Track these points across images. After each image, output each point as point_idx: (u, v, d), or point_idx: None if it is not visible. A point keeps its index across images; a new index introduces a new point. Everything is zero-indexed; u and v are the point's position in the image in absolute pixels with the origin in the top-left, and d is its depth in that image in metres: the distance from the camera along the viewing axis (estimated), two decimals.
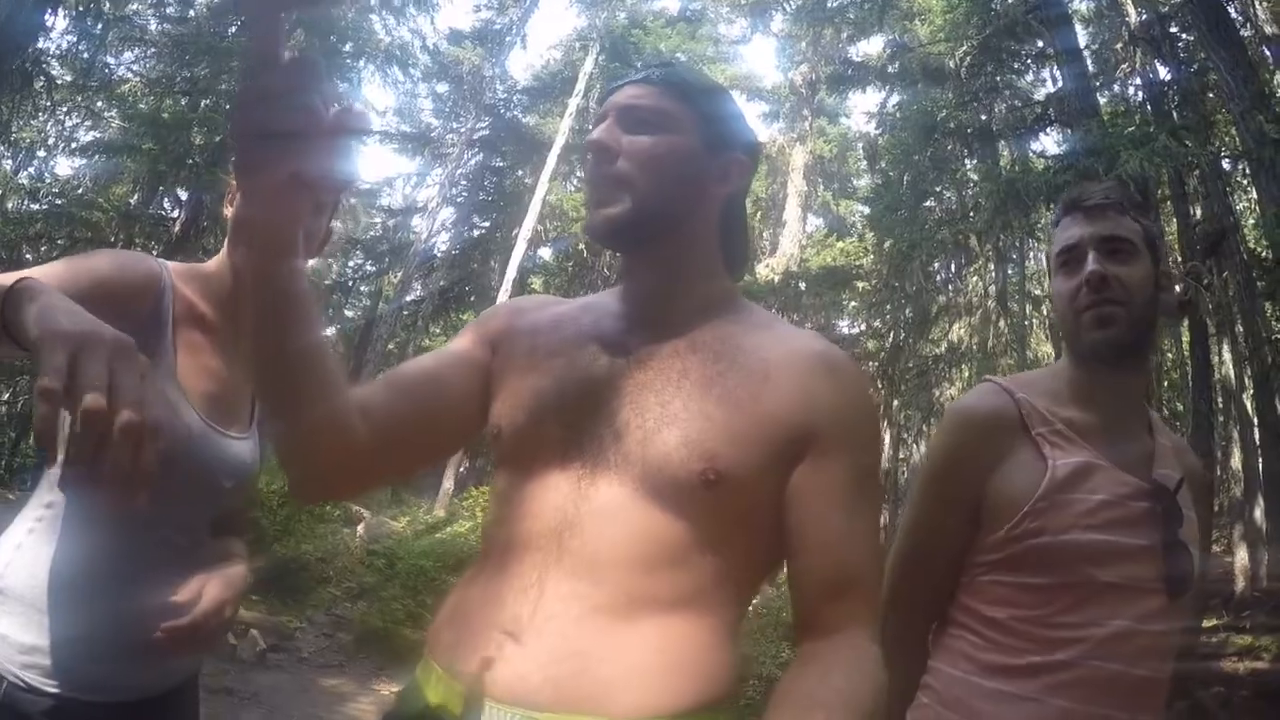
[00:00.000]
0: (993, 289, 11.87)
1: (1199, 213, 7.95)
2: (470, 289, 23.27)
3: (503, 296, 17.32)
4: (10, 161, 17.18)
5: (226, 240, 1.34)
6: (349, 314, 25.04)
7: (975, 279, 12.07)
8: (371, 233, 24.23)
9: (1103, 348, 1.36)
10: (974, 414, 1.42)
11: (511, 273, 17.62)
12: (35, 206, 17.22)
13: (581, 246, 21.17)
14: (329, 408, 0.95)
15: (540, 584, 0.93)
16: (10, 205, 17.11)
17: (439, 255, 23.21)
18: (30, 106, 13.61)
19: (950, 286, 12.41)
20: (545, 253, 22.52)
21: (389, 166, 40.05)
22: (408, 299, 22.33)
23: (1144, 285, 1.38)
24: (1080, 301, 1.38)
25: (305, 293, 0.91)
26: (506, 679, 0.90)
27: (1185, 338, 7.80)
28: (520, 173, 22.45)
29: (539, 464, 1.00)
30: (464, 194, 23.46)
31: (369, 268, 24.17)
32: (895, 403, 15.45)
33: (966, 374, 12.77)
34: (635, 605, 0.91)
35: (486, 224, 23.85)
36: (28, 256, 15.84)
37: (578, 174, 22.24)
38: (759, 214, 19.43)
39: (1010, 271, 12.44)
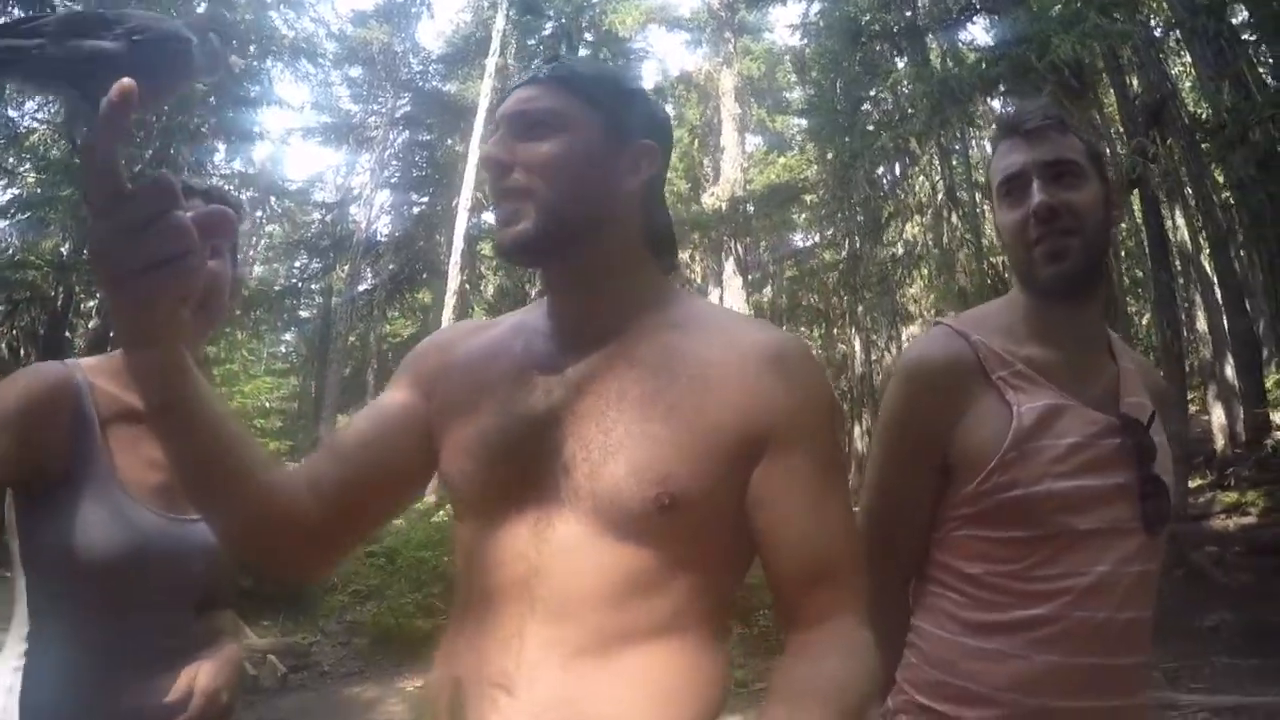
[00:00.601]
0: (940, 185, 11.85)
1: (1136, 84, 7.91)
2: (420, 267, 22.99)
3: (453, 269, 17.06)
4: None
5: None
6: (304, 314, 24.70)
7: (921, 178, 12.04)
8: (311, 230, 23.74)
9: (1058, 282, 1.28)
10: (930, 363, 1.33)
11: (458, 243, 17.35)
12: None
13: None
14: (268, 499, 0.92)
15: (520, 635, 0.91)
16: None
17: (383, 240, 22.85)
18: None
19: (898, 190, 12.39)
20: (489, 217, 22.21)
21: (317, 161, 39.07)
22: (360, 289, 22.03)
23: (1095, 208, 1.29)
24: (1030, 234, 1.28)
25: (207, 396, 0.84)
26: None
27: (1137, 207, 7.84)
28: (450, 141, 22.01)
29: (495, 510, 0.97)
30: (397, 174, 23.06)
31: (315, 265, 23.76)
32: (859, 309, 15.58)
33: (926, 274, 12.83)
34: (615, 641, 0.90)
35: (425, 199, 23.45)
36: None
37: None
38: (695, 142, 19.22)
39: (955, 164, 12.43)
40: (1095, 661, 1.19)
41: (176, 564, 1.33)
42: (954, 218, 11.63)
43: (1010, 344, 1.30)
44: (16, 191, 16.53)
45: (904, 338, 16.91)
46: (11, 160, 16.04)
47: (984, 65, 7.01)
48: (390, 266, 23.24)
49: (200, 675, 1.31)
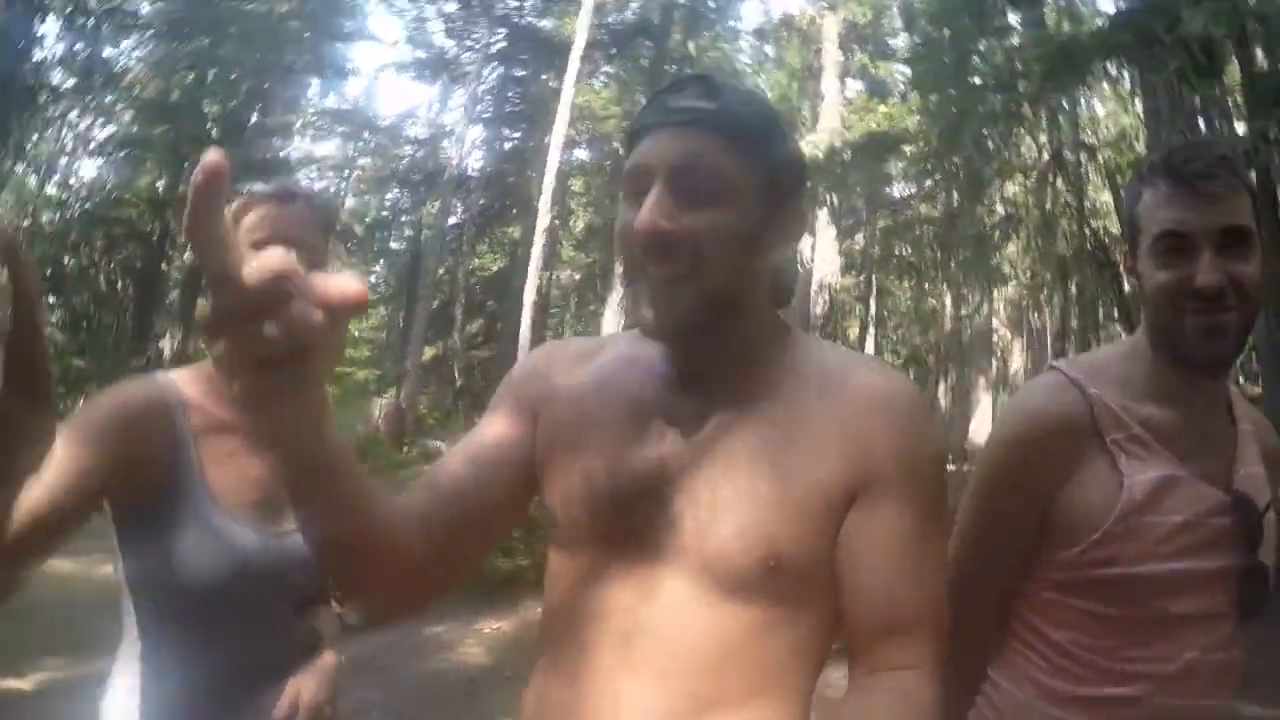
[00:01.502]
0: (1047, 148, 11.32)
1: (1261, 57, 7.31)
2: (511, 202, 23.15)
3: (543, 206, 17.10)
4: (35, 176, 17.30)
5: None
6: (394, 246, 25.20)
7: (1028, 139, 11.51)
8: (402, 165, 24.05)
9: (1211, 360, 1.22)
10: (1043, 418, 1.26)
11: (550, 180, 17.35)
12: (69, 214, 17.24)
13: (616, 145, 20.75)
14: (384, 543, 0.88)
15: (615, 694, 0.91)
16: (44, 218, 17.34)
17: (474, 175, 23.00)
18: (40, 120, 13.65)
19: (1003, 150, 11.89)
20: (581, 154, 22.17)
21: (410, 96, 39.17)
22: (450, 223, 22.32)
23: (1258, 279, 1.19)
24: (1185, 304, 1.19)
25: (338, 447, 0.78)
26: None
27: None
28: (544, 77, 21.86)
29: (598, 556, 0.96)
30: (490, 110, 23.00)
31: (406, 200, 24.13)
32: (953, 265, 15.10)
33: (1025, 237, 12.35)
34: (710, 705, 0.89)
35: (517, 135, 23.44)
36: (68, 261, 16.20)
37: (603, 72, 21.63)
38: (795, 85, 18.70)
39: (1063, 124, 11.82)
40: None
41: (276, 578, 1.36)
42: (1059, 182, 11.12)
43: (1128, 400, 1.23)
44: (113, 129, 17.02)
45: (997, 298, 16.45)
46: (109, 98, 16.40)
47: (1105, 33, 6.59)
48: (480, 201, 23.46)
49: (303, 691, 1.37)
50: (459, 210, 22.75)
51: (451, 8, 21.44)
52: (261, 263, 0.55)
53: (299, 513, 0.85)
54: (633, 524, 0.94)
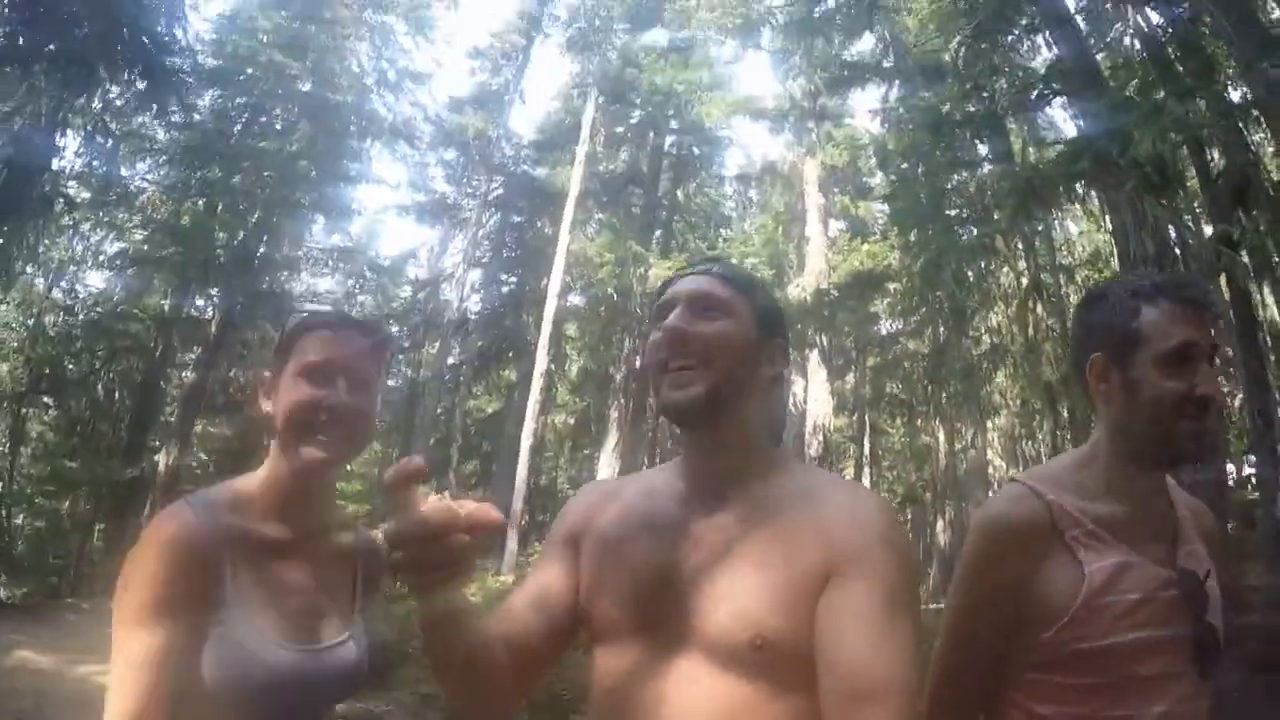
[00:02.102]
0: (1025, 275, 11.74)
1: (1218, 157, 7.74)
2: (507, 345, 23.51)
3: (541, 351, 17.42)
4: (42, 280, 17.82)
5: (272, 445, 1.41)
6: (391, 383, 25.41)
7: (1006, 269, 11.95)
8: (401, 305, 24.63)
9: (1193, 459, 1.42)
10: (1007, 522, 1.45)
11: (546, 326, 17.75)
12: (73, 320, 17.59)
13: (610, 291, 21.33)
14: (488, 672, 1.17)
15: None
16: (49, 321, 17.71)
17: (473, 317, 23.50)
18: (53, 228, 14.12)
19: (983, 281, 12.30)
20: (576, 299, 22.68)
21: (410, 238, 40.53)
22: (448, 362, 22.63)
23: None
24: (1187, 410, 1.39)
25: (468, 609, 1.12)
26: None
27: (1226, 293, 7.59)
28: (540, 223, 22.73)
29: (629, 643, 1.20)
30: (488, 254, 23.85)
31: (404, 340, 24.54)
32: (944, 399, 15.29)
33: (1013, 369, 12.60)
34: None
35: (514, 280, 24.16)
36: (69, 365, 16.32)
37: (596, 219, 22.49)
38: (780, 228, 19.38)
39: (1039, 250, 12.27)
40: None
41: (310, 693, 1.37)
42: (1039, 308, 11.46)
43: (1083, 502, 1.43)
44: (124, 245, 17.54)
45: (990, 429, 16.54)
46: (122, 216, 17.06)
47: (1068, 160, 7.00)
48: (479, 343, 23.85)
49: None
50: (456, 351, 23.10)
51: (451, 155, 22.51)
52: (432, 515, 0.92)
53: (437, 661, 1.14)
54: (654, 615, 1.19)
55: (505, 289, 24.31)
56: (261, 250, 18.20)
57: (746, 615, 1.11)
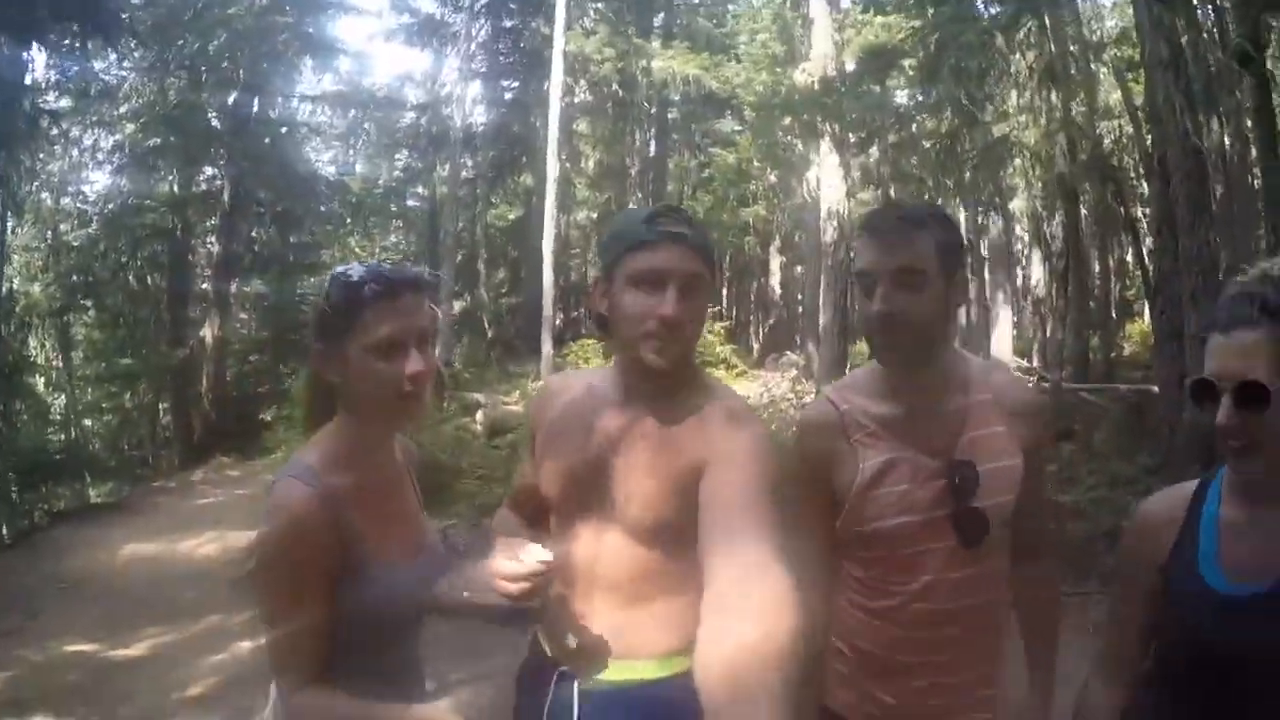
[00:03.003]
0: (1037, 65, 11.14)
1: None
2: (520, 151, 23.20)
3: (551, 157, 17.15)
4: (49, 196, 17.88)
5: (341, 405, 1.56)
6: (411, 204, 25.39)
7: (1017, 56, 11.27)
8: (406, 130, 24.24)
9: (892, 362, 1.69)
10: (807, 426, 1.81)
11: (553, 130, 17.35)
12: (89, 225, 17.83)
13: (616, 87, 20.72)
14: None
15: (589, 596, 1.59)
16: (64, 229, 18.00)
17: (480, 129, 23.06)
18: (45, 143, 13.93)
19: (988, 75, 11.74)
20: (584, 96, 22.11)
21: (403, 62, 38.37)
22: (461, 177, 22.47)
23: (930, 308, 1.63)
24: (874, 325, 1.63)
25: None
26: (594, 642, 1.55)
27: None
28: (534, 24, 21.70)
29: (571, 517, 1.64)
30: (485, 65, 23.02)
31: (416, 164, 24.25)
32: (965, 178, 14.92)
33: (1024, 158, 12.33)
34: (639, 596, 1.55)
35: (515, 85, 23.48)
36: (97, 266, 16.64)
37: (592, 9, 21.51)
38: (787, 2, 18.12)
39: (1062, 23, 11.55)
40: (926, 636, 1.67)
41: (415, 600, 1.60)
42: (1053, 97, 11.09)
43: (871, 405, 1.70)
44: (117, 138, 17.44)
45: (1013, 208, 16.31)
46: (108, 109, 16.86)
47: None
48: (490, 154, 23.56)
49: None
50: (469, 166, 22.88)
51: None
52: (531, 581, 1.40)
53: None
54: (586, 499, 1.60)
55: (508, 95, 23.72)
56: (255, 110, 17.96)
57: (648, 502, 1.51)
